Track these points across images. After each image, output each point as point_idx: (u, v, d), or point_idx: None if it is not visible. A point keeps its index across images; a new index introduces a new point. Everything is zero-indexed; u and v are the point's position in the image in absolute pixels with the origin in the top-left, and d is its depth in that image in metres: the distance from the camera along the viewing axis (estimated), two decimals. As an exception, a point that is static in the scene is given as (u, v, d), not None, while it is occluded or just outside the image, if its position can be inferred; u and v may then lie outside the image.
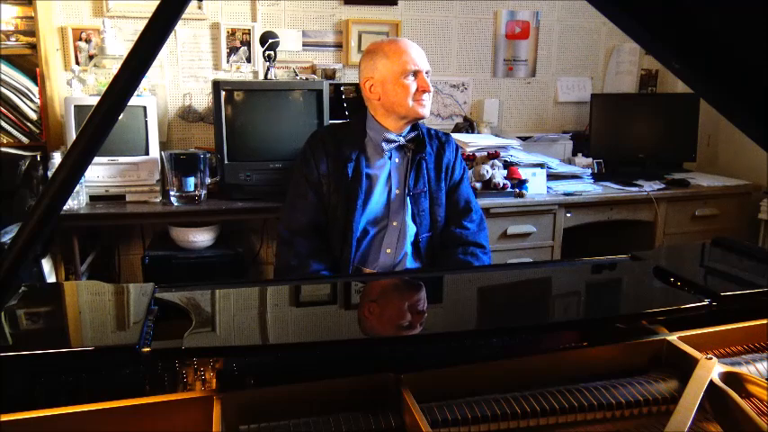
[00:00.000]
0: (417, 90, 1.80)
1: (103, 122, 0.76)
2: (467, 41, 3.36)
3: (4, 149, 2.50)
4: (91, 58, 2.69)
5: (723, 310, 1.07)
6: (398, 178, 1.87)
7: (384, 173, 1.86)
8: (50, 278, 2.50)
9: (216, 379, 0.95)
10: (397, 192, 1.87)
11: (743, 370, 0.97)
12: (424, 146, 1.88)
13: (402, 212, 1.86)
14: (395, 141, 1.86)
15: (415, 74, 1.81)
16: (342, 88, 2.98)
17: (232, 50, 2.98)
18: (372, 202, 1.84)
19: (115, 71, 0.75)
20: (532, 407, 0.89)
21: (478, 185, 2.74)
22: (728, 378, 0.93)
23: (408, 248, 1.86)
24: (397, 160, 1.88)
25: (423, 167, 1.87)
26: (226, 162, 2.56)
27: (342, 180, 1.82)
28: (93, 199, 2.53)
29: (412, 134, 1.89)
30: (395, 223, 1.85)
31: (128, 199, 2.57)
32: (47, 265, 2.49)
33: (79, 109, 2.42)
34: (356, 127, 1.90)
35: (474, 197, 1.99)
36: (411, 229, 1.86)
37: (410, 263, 1.86)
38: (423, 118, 1.86)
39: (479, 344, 1.07)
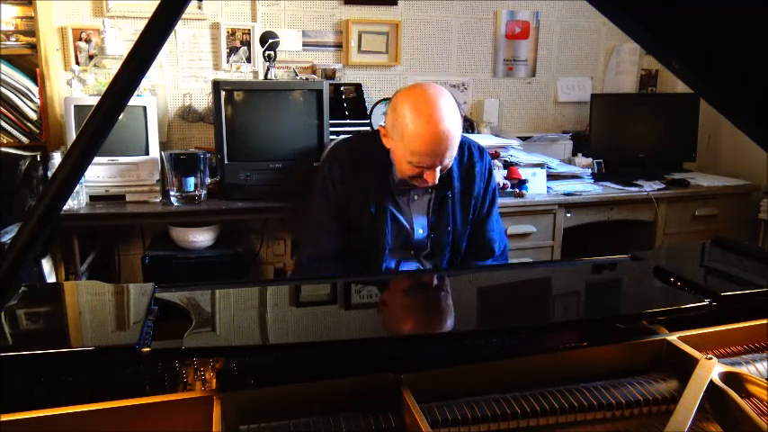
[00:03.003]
0: (420, 177, 1.61)
1: (103, 122, 0.76)
2: (467, 41, 3.35)
3: (4, 149, 2.50)
4: (91, 58, 2.69)
5: (723, 310, 1.07)
6: (420, 215, 1.76)
7: (406, 209, 1.75)
8: (50, 278, 2.50)
9: (216, 379, 0.95)
10: (419, 230, 1.76)
11: (743, 370, 0.97)
12: (450, 182, 1.72)
13: (422, 250, 1.78)
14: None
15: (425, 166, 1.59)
16: (342, 88, 2.98)
17: (232, 50, 2.98)
18: (393, 236, 1.74)
19: (115, 71, 0.75)
20: (532, 407, 0.89)
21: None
22: (728, 378, 0.93)
23: None
24: (416, 197, 1.75)
25: (447, 205, 1.74)
26: (226, 162, 2.56)
27: (364, 211, 1.71)
28: (93, 199, 2.53)
29: None
30: (412, 252, 1.79)
31: (128, 199, 2.57)
32: (47, 265, 2.49)
33: (79, 109, 2.42)
34: (381, 152, 1.70)
35: (500, 227, 1.86)
36: (429, 265, 1.80)
37: None
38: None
39: (479, 344, 1.07)
